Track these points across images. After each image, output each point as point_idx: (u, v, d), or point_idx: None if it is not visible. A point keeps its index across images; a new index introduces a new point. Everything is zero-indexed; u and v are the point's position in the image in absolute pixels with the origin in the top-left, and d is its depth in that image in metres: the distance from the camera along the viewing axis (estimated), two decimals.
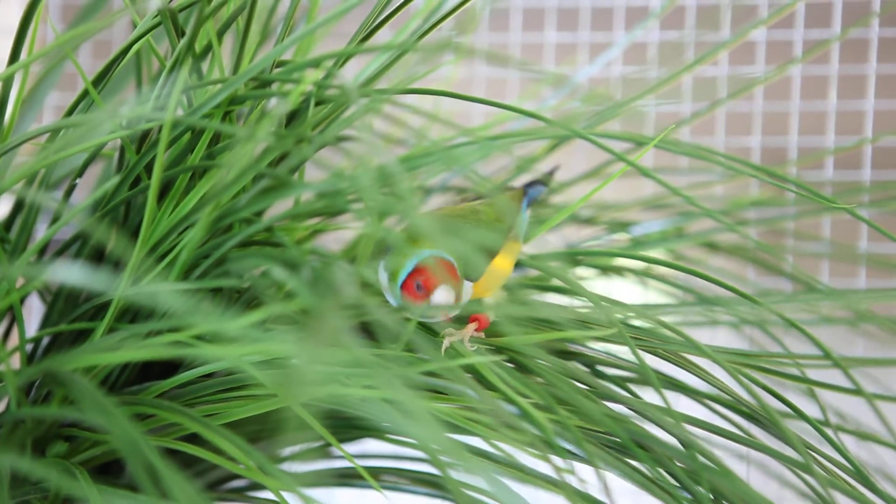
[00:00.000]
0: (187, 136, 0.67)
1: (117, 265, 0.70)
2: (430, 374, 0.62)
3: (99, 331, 0.65)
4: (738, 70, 1.15)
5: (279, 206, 0.68)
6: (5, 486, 0.60)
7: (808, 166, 1.16)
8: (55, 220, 0.69)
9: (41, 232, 0.69)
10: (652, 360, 0.65)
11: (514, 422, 0.59)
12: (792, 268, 0.90)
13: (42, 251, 0.70)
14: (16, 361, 0.67)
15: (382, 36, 0.70)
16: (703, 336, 0.69)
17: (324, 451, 0.74)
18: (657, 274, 0.82)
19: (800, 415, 0.66)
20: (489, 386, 0.61)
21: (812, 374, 0.71)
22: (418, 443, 0.59)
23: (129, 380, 0.69)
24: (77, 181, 0.70)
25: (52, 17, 1.20)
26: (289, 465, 0.73)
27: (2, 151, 0.66)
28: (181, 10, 0.66)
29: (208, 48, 0.67)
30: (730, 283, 0.67)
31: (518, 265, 0.69)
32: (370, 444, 0.74)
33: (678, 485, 0.62)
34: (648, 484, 0.62)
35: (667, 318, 0.67)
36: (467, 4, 0.68)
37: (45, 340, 0.72)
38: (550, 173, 0.78)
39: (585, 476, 0.61)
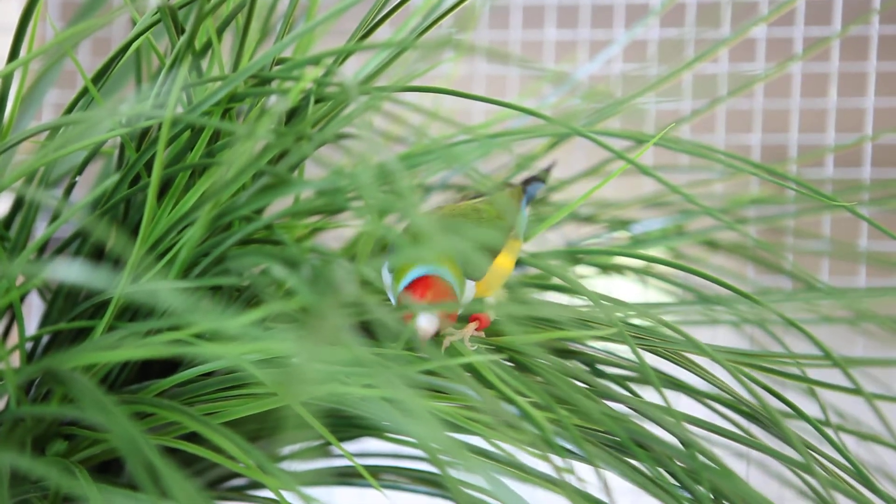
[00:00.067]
0: (187, 133, 0.67)
1: (117, 263, 0.70)
2: (430, 373, 0.62)
3: (99, 329, 0.65)
4: (739, 67, 1.15)
5: (279, 204, 0.68)
6: (5, 485, 0.60)
7: (808, 164, 1.16)
8: (55, 217, 0.69)
9: (41, 230, 0.69)
10: (652, 359, 0.65)
11: (514, 421, 0.59)
12: (792, 266, 0.89)
13: (42, 249, 0.70)
14: (15, 360, 0.67)
15: (382, 33, 0.70)
16: (703, 335, 0.69)
17: (323, 450, 0.74)
18: (657, 272, 0.82)
19: (800, 414, 0.66)
20: (489, 385, 0.61)
21: (812, 373, 0.71)
22: (418, 442, 0.59)
23: (128, 378, 0.69)
24: (77, 179, 0.70)
25: (52, 14, 1.20)
26: (288, 463, 0.73)
27: (1, 149, 0.66)
28: (181, 8, 0.66)
29: (208, 45, 0.67)
30: (730, 282, 0.67)
31: (518, 263, 0.69)
32: (370, 443, 0.74)
33: (678, 484, 0.62)
34: (648, 483, 0.62)
35: (667, 317, 0.67)
36: (467, 2, 0.68)
37: (45, 339, 0.72)
38: (548, 170, 0.78)
39: (585, 475, 0.61)
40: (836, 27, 1.12)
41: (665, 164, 0.99)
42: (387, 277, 0.63)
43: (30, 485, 0.65)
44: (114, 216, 0.69)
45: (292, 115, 0.67)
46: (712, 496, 0.61)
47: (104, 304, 0.66)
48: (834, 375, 0.72)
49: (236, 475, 0.75)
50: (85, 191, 0.69)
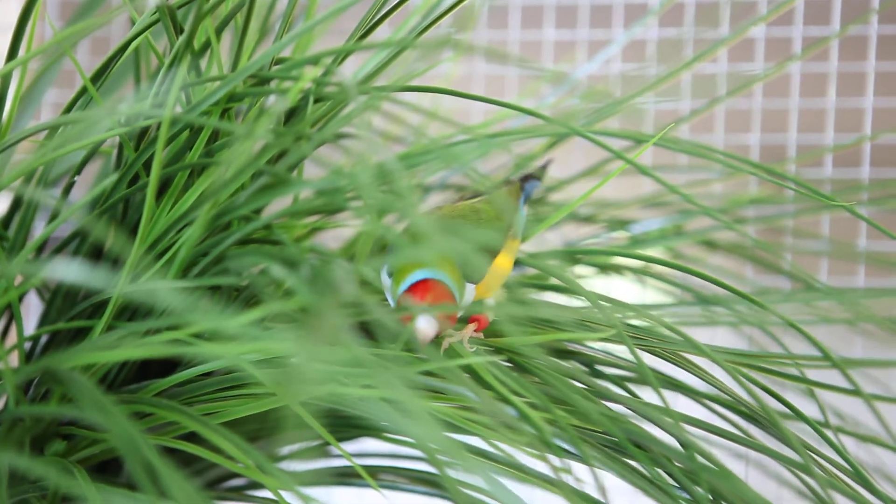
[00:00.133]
0: (186, 133, 0.67)
1: (116, 263, 0.70)
2: (429, 374, 0.62)
3: (97, 329, 0.65)
4: (737, 67, 1.15)
5: (278, 204, 0.68)
6: (4, 485, 0.60)
7: (807, 164, 1.16)
8: (53, 217, 0.69)
9: (39, 229, 0.69)
10: (650, 360, 0.65)
11: (512, 421, 0.59)
12: (791, 266, 0.89)
13: (40, 248, 0.70)
14: (14, 359, 0.67)
15: (381, 33, 0.70)
16: (701, 335, 0.69)
17: (322, 450, 0.74)
18: (656, 272, 0.82)
19: (798, 415, 0.66)
20: (487, 386, 0.61)
21: (811, 374, 0.71)
22: (416, 442, 0.59)
23: (127, 378, 0.69)
24: (75, 178, 0.70)
25: (51, 14, 1.20)
26: (287, 463, 0.73)
27: (0, 148, 0.66)
28: (179, 7, 0.65)
29: (207, 45, 0.67)
30: (728, 282, 0.67)
31: (517, 263, 0.69)
32: (368, 443, 0.74)
33: (676, 485, 0.62)
34: (646, 484, 0.62)
35: (665, 318, 0.67)
36: (466, 2, 0.68)
37: (44, 338, 0.72)
38: (544, 167, 0.78)
39: (583, 476, 0.61)
40: (834, 27, 1.12)
41: (664, 164, 0.99)
42: (386, 280, 0.63)
43: (28, 484, 0.65)
44: (112, 216, 0.69)
45: (291, 114, 0.67)
46: (711, 497, 0.61)
47: (103, 304, 0.66)
48: (833, 376, 0.72)
49: (235, 475, 0.75)
50: (84, 190, 0.69)
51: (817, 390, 0.72)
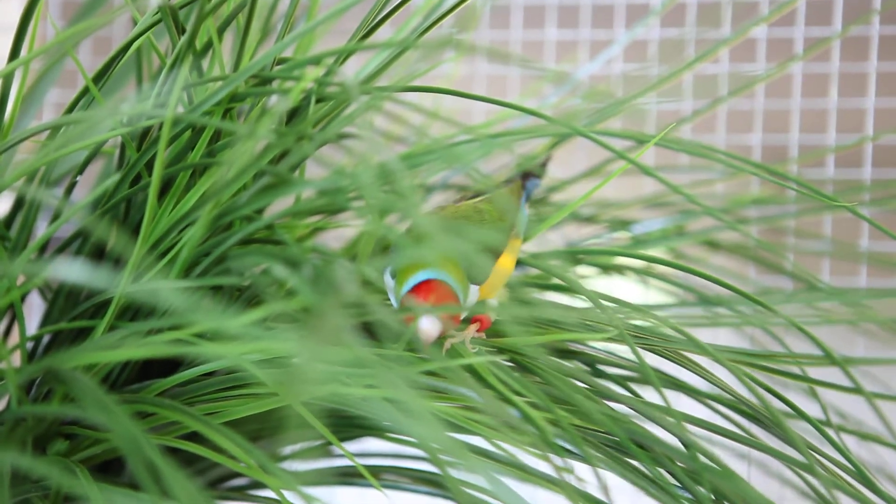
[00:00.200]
0: (188, 133, 0.67)
1: (118, 263, 0.70)
2: (432, 374, 0.62)
3: (99, 329, 0.65)
4: (739, 67, 1.15)
5: (280, 204, 0.68)
6: (6, 485, 0.60)
7: (808, 164, 1.16)
8: (56, 217, 0.69)
9: (42, 229, 0.69)
10: (653, 359, 0.65)
11: (515, 421, 0.59)
12: (793, 266, 0.89)
13: (42, 249, 0.70)
14: (16, 359, 0.67)
15: (383, 33, 0.70)
16: (703, 335, 0.69)
17: (324, 450, 0.74)
18: (658, 273, 0.82)
19: (801, 415, 0.66)
20: (489, 386, 0.61)
21: (813, 373, 0.71)
22: (419, 442, 0.59)
23: (129, 378, 0.69)
24: (77, 178, 0.70)
25: (53, 14, 1.20)
26: (290, 463, 0.73)
27: (2, 149, 0.66)
28: (181, 7, 0.66)
29: (209, 45, 0.67)
30: (731, 282, 0.67)
31: (519, 264, 0.69)
32: (371, 443, 0.74)
33: (678, 485, 0.62)
34: (648, 484, 0.62)
35: (667, 318, 0.66)
36: (468, 2, 0.68)
37: (46, 338, 0.72)
38: (544, 164, 0.78)
39: (586, 476, 0.61)
40: (836, 27, 1.12)
41: (666, 165, 0.99)
42: (389, 281, 0.63)
43: (31, 484, 0.65)
44: (115, 216, 0.69)
45: (293, 114, 0.67)
46: (713, 497, 0.61)
47: (105, 304, 0.66)
48: (835, 375, 0.72)
49: (237, 475, 0.75)
50: (86, 190, 0.69)
51: (820, 390, 0.72)
